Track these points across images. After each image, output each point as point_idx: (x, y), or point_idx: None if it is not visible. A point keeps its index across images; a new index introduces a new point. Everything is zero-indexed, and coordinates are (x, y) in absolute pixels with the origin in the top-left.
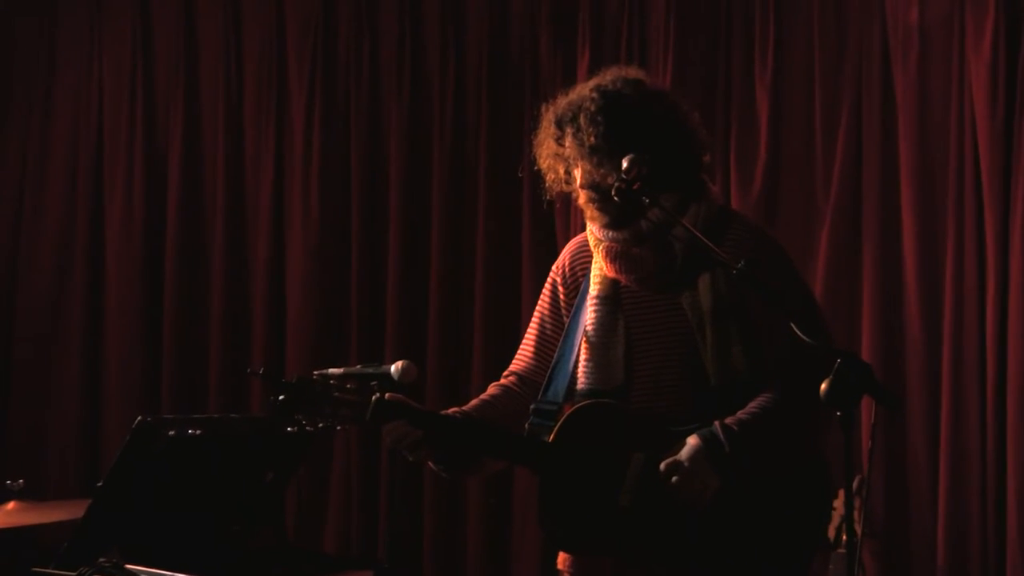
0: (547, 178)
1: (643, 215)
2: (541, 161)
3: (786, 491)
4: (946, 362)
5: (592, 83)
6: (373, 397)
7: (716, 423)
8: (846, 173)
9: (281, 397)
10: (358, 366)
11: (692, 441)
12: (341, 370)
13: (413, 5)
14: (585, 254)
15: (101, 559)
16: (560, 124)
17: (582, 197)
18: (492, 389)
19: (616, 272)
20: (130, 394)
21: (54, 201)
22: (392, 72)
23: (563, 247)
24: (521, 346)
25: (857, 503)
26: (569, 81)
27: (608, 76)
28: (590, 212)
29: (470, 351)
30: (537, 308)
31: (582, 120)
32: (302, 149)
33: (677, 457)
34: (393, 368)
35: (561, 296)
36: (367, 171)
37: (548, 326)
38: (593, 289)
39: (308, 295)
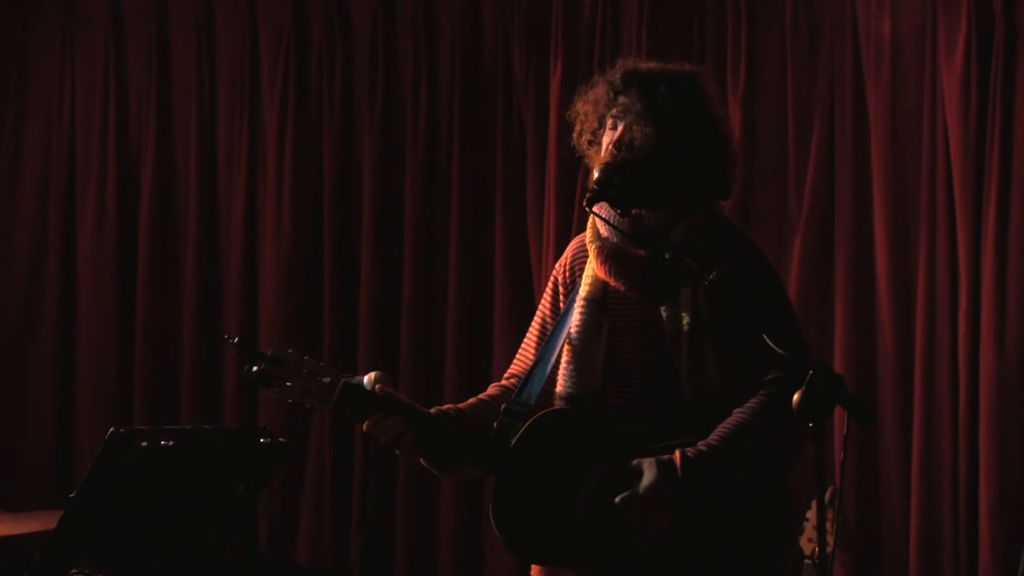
0: (576, 125)
1: (656, 208)
2: (580, 104)
3: (746, 519)
4: (918, 374)
5: (686, 65)
6: (341, 380)
7: (677, 453)
8: (819, 185)
9: (255, 368)
10: (305, 358)
11: (649, 472)
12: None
13: (386, 15)
14: (585, 252)
15: (74, 570)
16: (631, 80)
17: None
18: (492, 389)
19: (606, 274)
20: (102, 405)
21: (25, 212)
22: (365, 81)
23: (534, 254)
24: (522, 346)
25: (829, 515)
26: (542, 91)
27: (699, 71)
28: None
29: (442, 359)
30: (539, 307)
31: (663, 88)
32: (275, 158)
33: (633, 491)
34: (366, 379)
35: (561, 295)
36: (340, 180)
37: (549, 326)
38: (583, 290)
39: (280, 304)
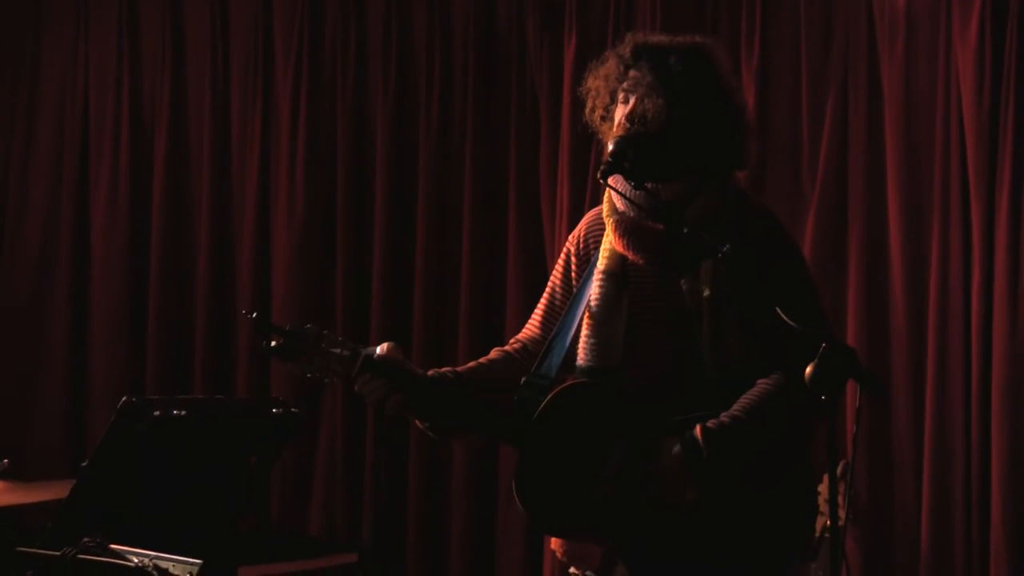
0: (588, 101)
1: (671, 180)
2: (591, 80)
3: (769, 493)
4: (931, 347)
5: (696, 36)
6: (362, 353)
7: (698, 427)
8: (832, 159)
9: (274, 343)
10: (324, 332)
11: (674, 448)
12: None
13: None
14: (600, 226)
15: (85, 539)
16: (641, 53)
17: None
18: (493, 353)
19: (624, 248)
20: (115, 379)
21: (39, 189)
22: (378, 57)
23: (547, 230)
24: (532, 315)
25: (841, 488)
26: (556, 66)
27: (709, 41)
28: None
29: (455, 336)
30: (551, 278)
31: (674, 60)
32: (288, 136)
33: (657, 464)
34: (378, 350)
35: (573, 267)
36: (353, 157)
37: (558, 297)
38: (601, 263)
39: (293, 282)
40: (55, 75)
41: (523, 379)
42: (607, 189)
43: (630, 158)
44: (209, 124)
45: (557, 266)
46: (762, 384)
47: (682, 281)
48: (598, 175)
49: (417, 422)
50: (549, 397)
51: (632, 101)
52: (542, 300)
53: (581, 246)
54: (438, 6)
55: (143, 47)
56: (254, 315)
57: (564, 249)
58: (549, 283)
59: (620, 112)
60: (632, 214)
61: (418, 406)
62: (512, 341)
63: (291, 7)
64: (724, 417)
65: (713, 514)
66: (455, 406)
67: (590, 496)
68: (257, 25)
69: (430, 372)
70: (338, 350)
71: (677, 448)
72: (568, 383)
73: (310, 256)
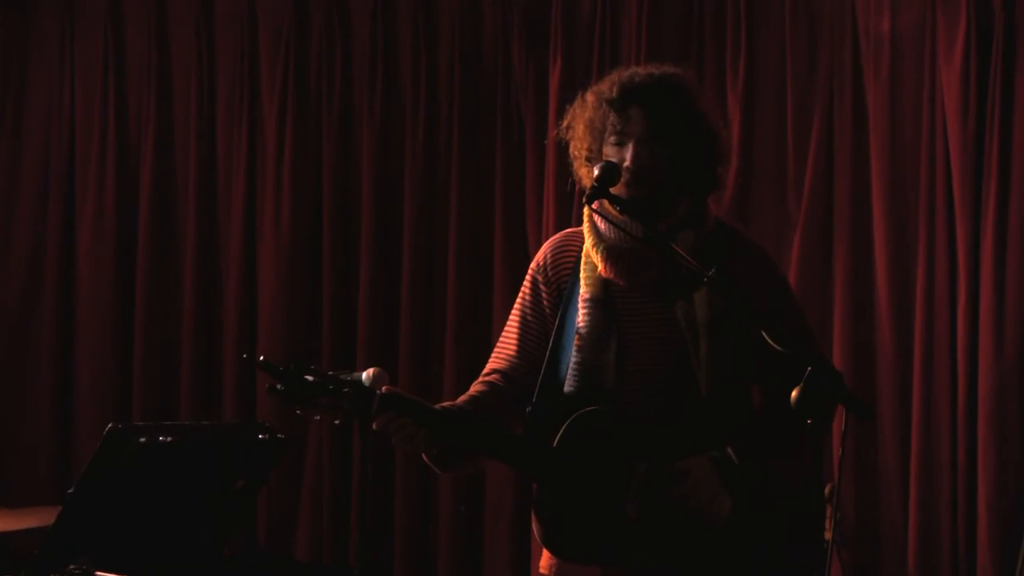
0: (571, 144)
1: (664, 215)
2: (574, 123)
3: (788, 508)
4: (917, 370)
5: (674, 69)
6: (377, 392)
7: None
8: (818, 181)
9: (280, 387)
10: (329, 374)
11: (702, 460)
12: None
13: (385, 13)
14: (569, 252)
15: (72, 566)
16: (629, 98)
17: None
18: (478, 386)
19: (616, 274)
20: (101, 401)
21: (25, 209)
22: (364, 78)
23: (533, 251)
24: (501, 343)
25: (828, 511)
26: (542, 88)
27: (685, 72)
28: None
29: (441, 360)
30: (517, 305)
31: (664, 103)
32: (274, 157)
33: (686, 484)
34: (364, 375)
35: (543, 294)
36: (339, 178)
37: (531, 324)
38: (584, 291)
39: (280, 302)
40: (41, 98)
41: (527, 410)
42: (588, 216)
43: (642, 201)
44: (195, 145)
45: (524, 295)
46: (768, 407)
47: (677, 306)
48: (584, 199)
49: (424, 458)
50: (567, 424)
51: (631, 149)
52: (512, 329)
53: (551, 273)
54: (423, 28)
55: (128, 69)
56: (261, 359)
57: (529, 278)
58: (516, 311)
59: (615, 155)
60: (622, 242)
61: (440, 440)
62: (487, 372)
63: (277, 28)
64: (744, 432)
65: (743, 525)
66: (475, 437)
67: (618, 520)
68: (242, 46)
69: (436, 406)
70: (336, 386)
71: (707, 461)
72: (584, 409)
73: (297, 275)
